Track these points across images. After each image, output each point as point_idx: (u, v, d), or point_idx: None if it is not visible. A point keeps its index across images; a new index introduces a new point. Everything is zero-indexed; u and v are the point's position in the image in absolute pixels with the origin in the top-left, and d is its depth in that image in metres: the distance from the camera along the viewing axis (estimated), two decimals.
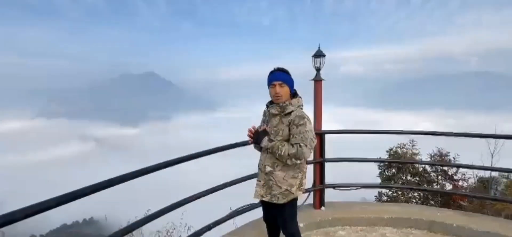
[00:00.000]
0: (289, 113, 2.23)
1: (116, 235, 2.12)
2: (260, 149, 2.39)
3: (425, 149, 8.85)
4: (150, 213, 2.48)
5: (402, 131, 4.22)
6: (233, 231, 3.30)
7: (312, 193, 3.92)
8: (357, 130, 4.19)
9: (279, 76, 2.24)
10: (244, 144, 2.69)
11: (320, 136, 3.85)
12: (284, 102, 2.24)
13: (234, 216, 3.11)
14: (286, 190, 2.24)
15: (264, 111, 2.46)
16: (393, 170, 9.18)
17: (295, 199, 2.37)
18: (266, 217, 2.58)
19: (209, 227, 2.74)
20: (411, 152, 9.08)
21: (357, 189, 4.04)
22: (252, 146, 2.44)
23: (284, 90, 2.23)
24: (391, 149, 9.35)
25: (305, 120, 2.20)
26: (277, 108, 2.25)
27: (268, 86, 2.28)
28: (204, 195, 2.68)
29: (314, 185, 3.91)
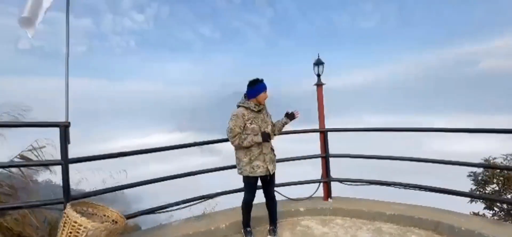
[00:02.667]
0: (265, 109, 3.35)
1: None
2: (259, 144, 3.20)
3: None
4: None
5: (422, 128, 4.00)
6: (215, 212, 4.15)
7: (321, 185, 4.33)
8: (362, 128, 4.33)
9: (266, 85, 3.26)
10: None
11: (324, 133, 4.29)
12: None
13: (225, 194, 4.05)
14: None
15: (244, 113, 3.19)
16: (495, 187, 7.53)
17: None
18: (253, 196, 3.33)
19: (210, 196, 3.79)
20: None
21: (366, 184, 4.18)
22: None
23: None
24: (486, 160, 7.68)
25: None
26: (262, 107, 3.28)
27: (260, 92, 3.20)
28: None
29: (321, 178, 4.34)
